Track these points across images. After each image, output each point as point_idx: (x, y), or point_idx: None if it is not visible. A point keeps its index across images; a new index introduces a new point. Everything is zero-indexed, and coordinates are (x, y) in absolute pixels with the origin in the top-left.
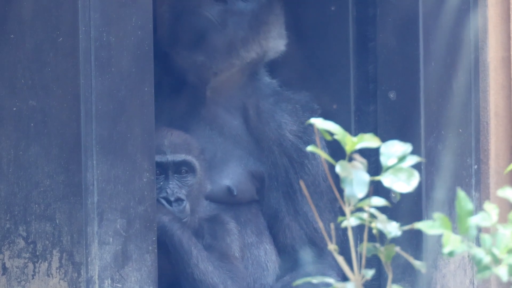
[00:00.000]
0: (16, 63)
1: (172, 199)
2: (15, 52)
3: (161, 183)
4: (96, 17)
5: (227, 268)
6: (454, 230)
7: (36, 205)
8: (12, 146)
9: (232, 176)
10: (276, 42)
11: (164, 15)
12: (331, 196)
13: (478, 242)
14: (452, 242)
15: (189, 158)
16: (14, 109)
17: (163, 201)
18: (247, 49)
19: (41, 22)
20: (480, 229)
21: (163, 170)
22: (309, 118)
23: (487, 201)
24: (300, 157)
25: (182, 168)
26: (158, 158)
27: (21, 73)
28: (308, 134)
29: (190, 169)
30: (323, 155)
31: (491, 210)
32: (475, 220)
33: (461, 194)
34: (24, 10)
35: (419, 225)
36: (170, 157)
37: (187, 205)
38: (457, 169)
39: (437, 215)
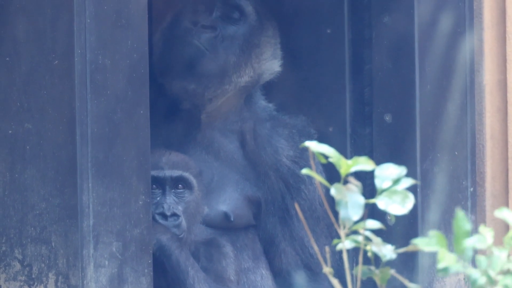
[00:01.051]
0: (12, 86)
1: (168, 213)
2: (11, 75)
3: (158, 198)
4: (91, 39)
5: None
6: (450, 251)
7: (32, 228)
8: (7, 169)
9: (229, 202)
10: (270, 64)
11: (157, 44)
12: (328, 221)
13: (474, 264)
14: (447, 259)
15: (186, 174)
16: (10, 131)
17: (158, 217)
18: (240, 74)
19: (37, 44)
20: (476, 251)
21: (160, 185)
22: None
23: (482, 224)
24: (296, 183)
25: (179, 184)
26: (155, 173)
27: (17, 96)
28: (304, 159)
29: (187, 185)
30: (318, 177)
31: (486, 233)
32: (470, 242)
33: (459, 214)
34: (19, 33)
35: (416, 241)
36: (167, 172)
37: (183, 221)
38: (453, 191)
39: (433, 232)
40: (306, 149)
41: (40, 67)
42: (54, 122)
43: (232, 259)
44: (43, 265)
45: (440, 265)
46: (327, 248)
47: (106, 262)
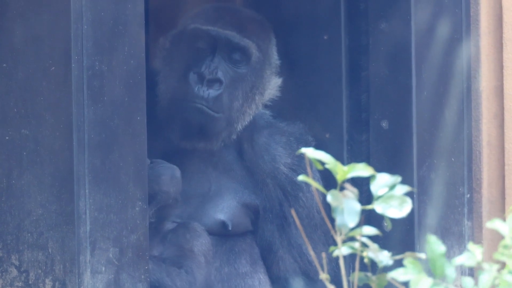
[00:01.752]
0: (9, 92)
1: None
2: (8, 81)
3: None
4: (88, 46)
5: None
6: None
7: (29, 234)
8: (4, 175)
9: (226, 210)
10: (272, 88)
11: (163, 85)
12: (325, 228)
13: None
14: (421, 285)
15: None
16: (7, 138)
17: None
18: (244, 118)
19: (34, 51)
20: (471, 269)
21: None
22: None
23: (479, 230)
24: (294, 190)
25: None
26: None
27: (14, 102)
28: (302, 167)
29: None
30: (315, 184)
31: (475, 250)
32: (460, 260)
33: (431, 238)
34: (16, 39)
35: (392, 275)
36: None
37: None
38: (449, 198)
39: (408, 260)
40: (303, 157)
41: (37, 74)
42: (51, 128)
43: (199, 234)
44: (40, 271)
45: None
46: (324, 255)
47: (103, 268)
